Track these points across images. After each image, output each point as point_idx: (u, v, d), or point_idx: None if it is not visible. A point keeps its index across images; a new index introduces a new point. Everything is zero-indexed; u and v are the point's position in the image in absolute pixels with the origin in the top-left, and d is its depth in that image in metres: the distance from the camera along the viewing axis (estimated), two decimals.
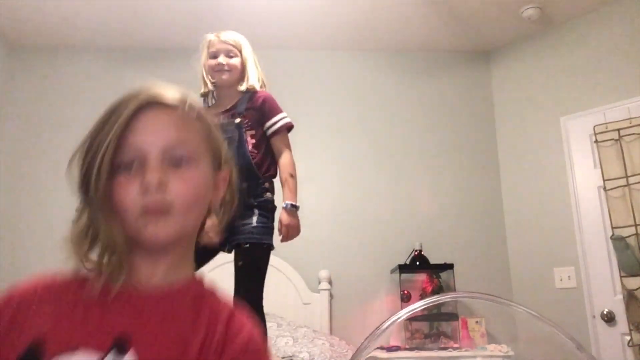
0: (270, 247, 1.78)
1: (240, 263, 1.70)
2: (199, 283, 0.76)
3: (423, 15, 3.30)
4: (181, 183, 0.67)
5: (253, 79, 1.88)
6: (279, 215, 1.78)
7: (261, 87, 1.93)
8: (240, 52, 1.89)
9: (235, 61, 1.87)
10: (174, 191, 0.67)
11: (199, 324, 0.69)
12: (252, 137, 1.79)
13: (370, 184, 3.49)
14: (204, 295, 0.74)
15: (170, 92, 0.72)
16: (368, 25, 3.42)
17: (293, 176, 1.80)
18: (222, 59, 1.85)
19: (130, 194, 0.66)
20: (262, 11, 3.25)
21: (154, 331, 0.67)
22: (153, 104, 0.70)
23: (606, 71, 3.10)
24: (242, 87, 1.86)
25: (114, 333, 0.65)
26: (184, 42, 3.57)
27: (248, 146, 1.77)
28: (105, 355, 0.63)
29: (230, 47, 1.87)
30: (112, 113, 0.68)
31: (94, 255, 0.70)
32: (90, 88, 3.59)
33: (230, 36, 1.91)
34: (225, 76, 1.85)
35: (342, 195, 3.46)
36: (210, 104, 1.90)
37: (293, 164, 1.82)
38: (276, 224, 1.83)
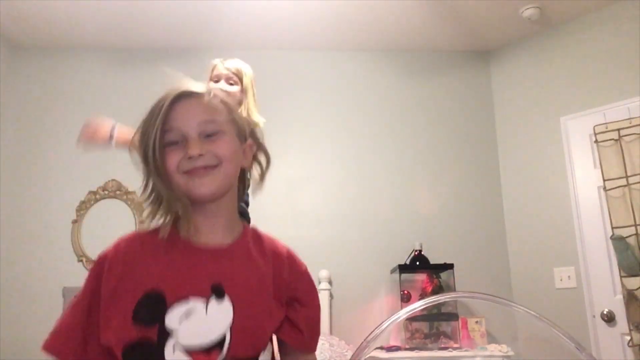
0: None
1: None
2: (252, 229, 0.98)
3: (423, 15, 3.30)
4: (215, 147, 0.89)
5: (256, 116, 1.94)
6: None
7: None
8: (241, 80, 1.95)
9: (234, 89, 1.93)
10: (210, 154, 0.88)
11: (267, 261, 0.93)
12: None
13: (370, 184, 3.49)
14: (260, 236, 0.97)
15: (197, 85, 0.93)
16: (368, 25, 3.42)
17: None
18: (222, 84, 1.92)
19: (177, 161, 0.87)
20: (262, 11, 3.25)
21: (239, 275, 0.88)
22: (186, 95, 0.90)
23: (606, 71, 3.10)
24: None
25: (209, 282, 0.86)
26: (184, 42, 3.58)
27: None
28: (208, 301, 0.84)
29: (231, 75, 1.94)
30: (156, 107, 0.89)
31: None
32: (91, 88, 3.60)
33: (234, 64, 1.97)
34: None
35: (342, 195, 3.46)
36: None
37: None
38: None
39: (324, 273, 3.21)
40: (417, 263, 3.14)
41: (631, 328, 2.64)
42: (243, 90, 1.95)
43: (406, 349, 2.85)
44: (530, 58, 3.50)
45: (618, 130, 2.85)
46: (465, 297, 2.97)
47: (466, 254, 3.32)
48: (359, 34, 3.52)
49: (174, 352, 0.81)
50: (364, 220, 3.41)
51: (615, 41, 3.09)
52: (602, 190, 2.90)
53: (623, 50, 3.04)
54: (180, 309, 0.83)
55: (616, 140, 2.85)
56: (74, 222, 3.35)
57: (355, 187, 3.48)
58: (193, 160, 0.87)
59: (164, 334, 0.81)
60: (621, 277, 2.72)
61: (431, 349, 2.82)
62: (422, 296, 3.05)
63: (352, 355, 1.36)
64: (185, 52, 3.61)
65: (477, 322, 2.97)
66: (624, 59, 3.03)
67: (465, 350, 2.80)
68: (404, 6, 3.21)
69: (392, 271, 3.22)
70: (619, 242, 2.72)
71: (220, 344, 0.83)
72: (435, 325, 3.02)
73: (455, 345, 2.85)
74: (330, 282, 3.24)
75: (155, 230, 0.91)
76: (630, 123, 2.83)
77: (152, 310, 0.82)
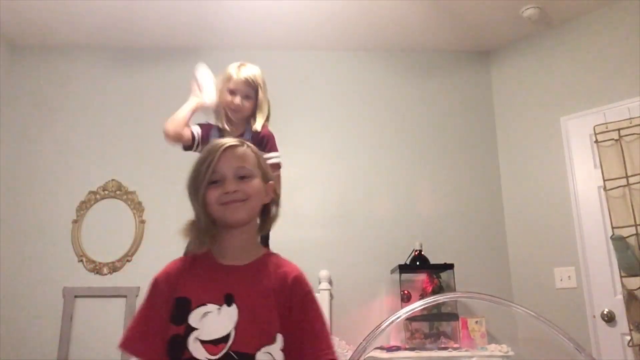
0: None
1: None
2: (273, 255, 1.23)
3: (423, 15, 3.30)
4: (245, 186, 1.18)
5: (258, 124, 2.07)
6: None
7: (266, 119, 2.13)
8: (256, 91, 2.07)
9: (249, 103, 2.05)
10: (242, 192, 1.17)
11: (271, 281, 1.15)
12: None
13: (370, 184, 3.49)
14: (275, 262, 1.21)
15: (234, 140, 1.24)
16: (368, 25, 3.42)
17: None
18: (238, 100, 2.03)
19: (216, 195, 1.16)
20: (262, 11, 3.25)
21: (246, 289, 1.13)
22: (227, 147, 1.21)
23: (606, 71, 3.10)
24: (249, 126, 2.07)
25: (223, 292, 1.12)
26: (184, 42, 3.58)
27: None
28: (221, 306, 1.10)
29: (249, 90, 2.04)
30: (208, 156, 1.18)
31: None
32: (90, 88, 3.60)
33: (249, 72, 2.06)
34: (239, 116, 2.07)
35: (342, 195, 3.46)
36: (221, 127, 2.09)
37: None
38: None
39: (324, 273, 3.21)
40: (417, 263, 3.14)
41: (631, 328, 2.64)
42: (257, 102, 2.07)
43: (406, 349, 2.85)
44: (530, 58, 3.50)
45: (618, 130, 2.85)
46: (465, 297, 2.97)
47: (466, 254, 3.32)
48: (359, 34, 3.52)
49: (194, 343, 1.08)
50: (364, 220, 3.41)
51: (615, 41, 3.09)
52: (602, 190, 2.90)
53: (623, 50, 3.04)
54: (200, 311, 1.11)
55: (616, 140, 2.85)
56: (74, 222, 3.35)
57: (356, 187, 3.48)
58: (229, 195, 1.15)
59: (189, 329, 1.09)
60: (621, 277, 2.72)
61: (431, 349, 2.82)
62: (422, 296, 3.05)
63: (352, 355, 1.36)
64: (185, 52, 3.61)
65: (477, 322, 2.97)
66: (624, 59, 3.03)
67: (465, 351, 2.80)
68: (404, 6, 3.21)
69: (392, 271, 3.22)
70: (619, 242, 2.72)
71: (225, 338, 1.08)
72: (435, 325, 3.02)
73: (455, 346, 2.85)
74: (330, 282, 3.24)
75: (194, 255, 1.21)
76: (630, 123, 2.84)
77: (181, 312, 1.12)
